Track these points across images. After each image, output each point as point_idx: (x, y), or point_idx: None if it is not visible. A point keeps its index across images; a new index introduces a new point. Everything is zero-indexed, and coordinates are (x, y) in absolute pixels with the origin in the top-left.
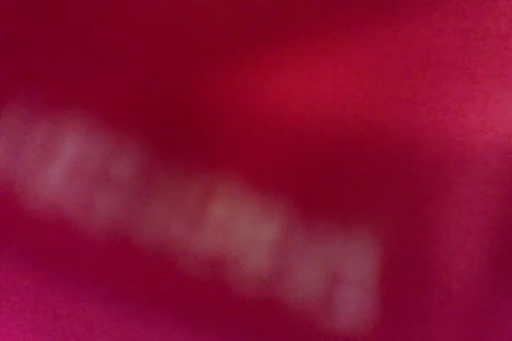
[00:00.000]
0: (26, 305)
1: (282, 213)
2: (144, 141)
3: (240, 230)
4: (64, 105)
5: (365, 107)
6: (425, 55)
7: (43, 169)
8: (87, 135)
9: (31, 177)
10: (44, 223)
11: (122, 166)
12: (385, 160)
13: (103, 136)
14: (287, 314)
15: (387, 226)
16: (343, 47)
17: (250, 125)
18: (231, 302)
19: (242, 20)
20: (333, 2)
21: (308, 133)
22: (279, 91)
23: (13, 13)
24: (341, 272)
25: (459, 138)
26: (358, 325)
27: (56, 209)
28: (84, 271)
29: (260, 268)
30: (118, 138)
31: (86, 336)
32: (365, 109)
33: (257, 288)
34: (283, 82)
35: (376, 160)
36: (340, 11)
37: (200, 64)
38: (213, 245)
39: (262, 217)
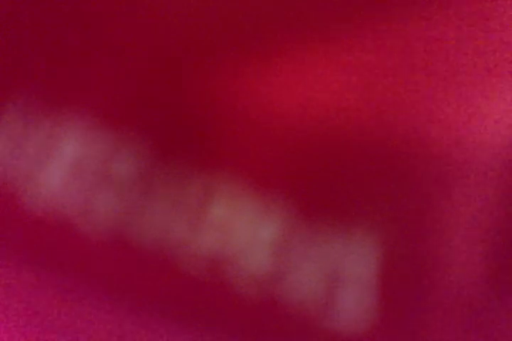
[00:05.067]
0: (25, 305)
1: (282, 213)
2: (144, 141)
3: (240, 230)
4: (64, 105)
5: (365, 108)
6: (425, 55)
7: (43, 169)
8: (87, 135)
9: (31, 177)
10: (44, 223)
11: (122, 166)
12: (385, 160)
13: (103, 136)
14: (287, 314)
15: (387, 226)
16: (344, 48)
17: (250, 125)
18: (231, 302)
19: (244, 20)
20: (333, 3)
21: (309, 134)
22: (280, 92)
23: (13, 13)
24: (341, 272)
25: (458, 138)
26: (358, 325)
27: (56, 209)
28: (84, 271)
29: (260, 268)
30: (118, 138)
31: (85, 336)
32: (366, 110)
33: (257, 288)
34: (284, 83)
35: (376, 160)
36: (340, 13)
37: (200, 64)
38: (213, 245)
39: (262, 217)
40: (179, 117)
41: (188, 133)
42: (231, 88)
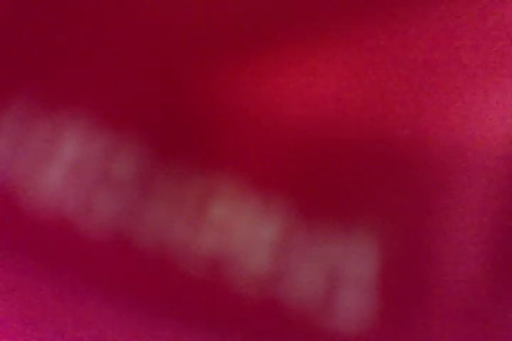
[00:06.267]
0: (25, 305)
1: (282, 213)
2: (144, 141)
3: (240, 230)
4: (64, 105)
5: (365, 108)
6: (425, 55)
7: (43, 169)
8: (87, 135)
9: (31, 177)
10: (44, 223)
11: (122, 166)
12: (385, 161)
13: (103, 136)
14: (287, 314)
15: (387, 226)
16: (344, 48)
17: (250, 125)
18: (231, 302)
19: (244, 20)
20: (333, 3)
21: (309, 134)
22: (279, 92)
23: (13, 13)
24: (341, 272)
25: (459, 138)
26: (358, 325)
27: (56, 209)
28: (84, 271)
29: (260, 268)
30: (118, 138)
31: (85, 336)
32: (366, 111)
33: (257, 288)
34: (285, 84)
35: (376, 161)
36: (340, 13)
37: (200, 64)
38: (213, 245)
39: (262, 217)
40: (179, 117)
41: (188, 133)
42: (231, 88)
